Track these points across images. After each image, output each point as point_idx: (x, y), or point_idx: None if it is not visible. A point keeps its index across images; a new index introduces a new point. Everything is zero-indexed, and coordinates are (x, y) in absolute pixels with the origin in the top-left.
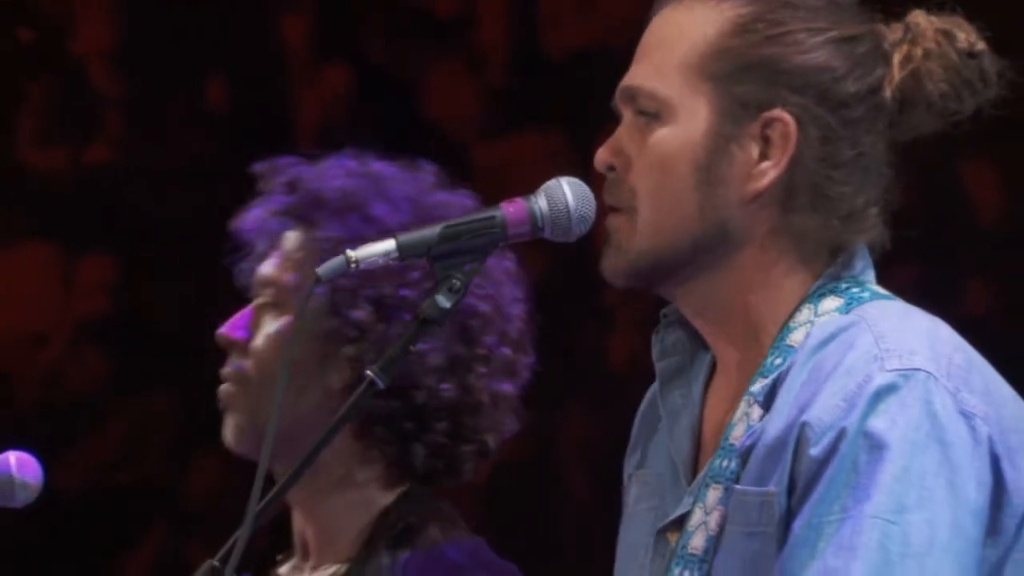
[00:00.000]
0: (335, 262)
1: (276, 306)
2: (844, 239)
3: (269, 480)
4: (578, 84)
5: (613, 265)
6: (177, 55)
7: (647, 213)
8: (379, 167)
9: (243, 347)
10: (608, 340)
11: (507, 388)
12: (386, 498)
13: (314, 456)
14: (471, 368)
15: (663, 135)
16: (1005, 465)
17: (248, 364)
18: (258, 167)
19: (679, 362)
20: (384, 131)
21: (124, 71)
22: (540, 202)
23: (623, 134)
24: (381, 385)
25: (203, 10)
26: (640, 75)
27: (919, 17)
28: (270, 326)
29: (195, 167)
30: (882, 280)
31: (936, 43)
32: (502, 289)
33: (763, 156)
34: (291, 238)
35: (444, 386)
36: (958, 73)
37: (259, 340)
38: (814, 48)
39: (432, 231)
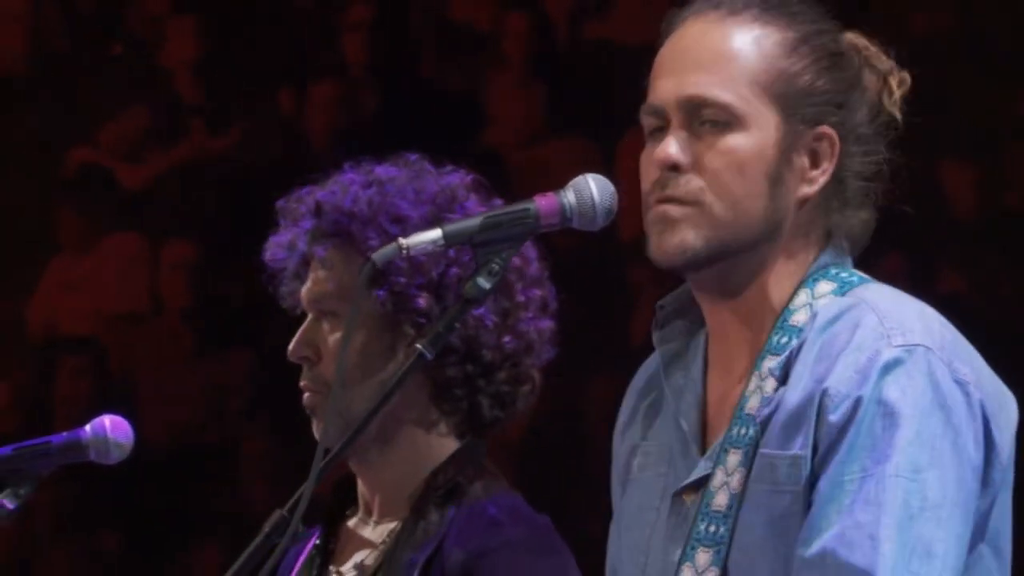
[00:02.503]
0: (388, 249)
1: (333, 315)
2: (849, 234)
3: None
4: (604, 93)
5: (674, 246)
6: (252, 68)
7: (720, 209)
8: (381, 171)
9: (314, 359)
10: (630, 319)
11: (547, 324)
12: (438, 458)
13: (368, 422)
14: (519, 316)
15: (739, 142)
16: (993, 426)
17: (325, 372)
18: (280, 202)
19: (678, 347)
20: (430, 136)
21: (206, 81)
22: (569, 196)
23: (686, 138)
24: (429, 357)
25: (275, 28)
26: (707, 85)
27: (855, 40)
28: (335, 334)
29: (265, 165)
30: (871, 266)
31: (877, 60)
32: None
33: (814, 165)
34: (330, 254)
35: (506, 339)
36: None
37: (329, 349)
38: (842, 71)
39: (474, 221)
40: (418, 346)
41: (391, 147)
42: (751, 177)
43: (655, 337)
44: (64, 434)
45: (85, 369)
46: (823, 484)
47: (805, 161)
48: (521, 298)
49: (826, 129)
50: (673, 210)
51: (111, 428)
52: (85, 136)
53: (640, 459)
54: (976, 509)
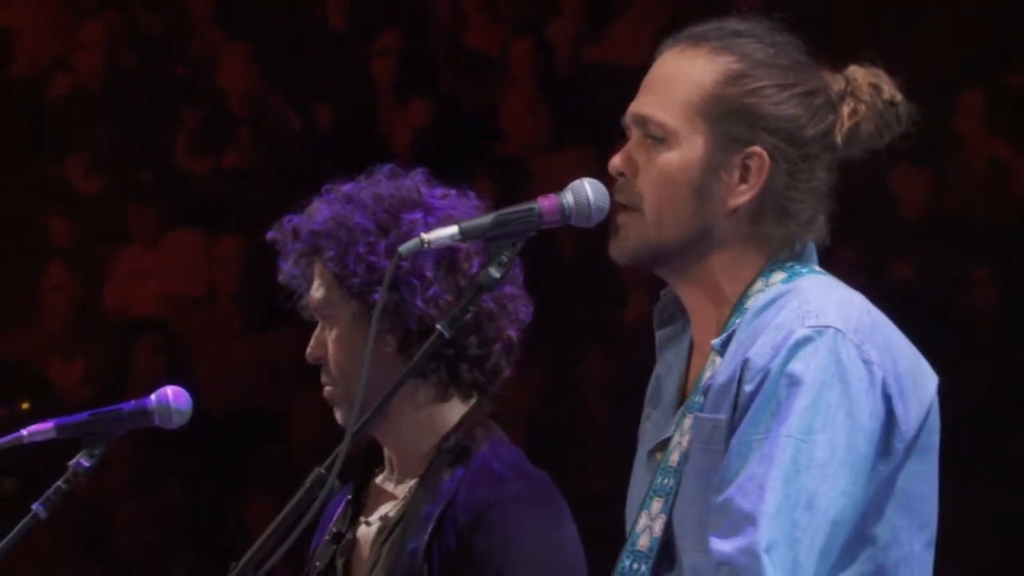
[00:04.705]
0: (412, 243)
1: (328, 318)
2: (799, 239)
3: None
4: (600, 108)
5: (620, 249)
6: (294, 87)
7: (651, 215)
8: (346, 188)
9: (325, 358)
10: (624, 304)
11: (509, 290)
12: (447, 421)
13: (394, 393)
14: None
15: (669, 157)
16: (896, 402)
17: (332, 369)
18: (270, 234)
19: (674, 329)
20: (450, 147)
21: (254, 99)
22: (568, 197)
23: (633, 147)
24: (447, 336)
25: (314, 53)
26: (650, 105)
27: (856, 73)
28: (331, 335)
29: (305, 171)
30: (828, 260)
31: (869, 96)
32: (461, 207)
33: (742, 180)
34: (313, 269)
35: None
36: (882, 117)
37: (330, 349)
38: (784, 101)
39: (486, 219)
40: (438, 327)
41: (419, 155)
42: (677, 188)
43: (655, 321)
44: (132, 402)
45: (155, 346)
46: (734, 442)
47: (735, 176)
48: (476, 271)
49: (757, 149)
50: (620, 218)
51: (173, 397)
52: (150, 145)
53: (646, 423)
54: (875, 473)
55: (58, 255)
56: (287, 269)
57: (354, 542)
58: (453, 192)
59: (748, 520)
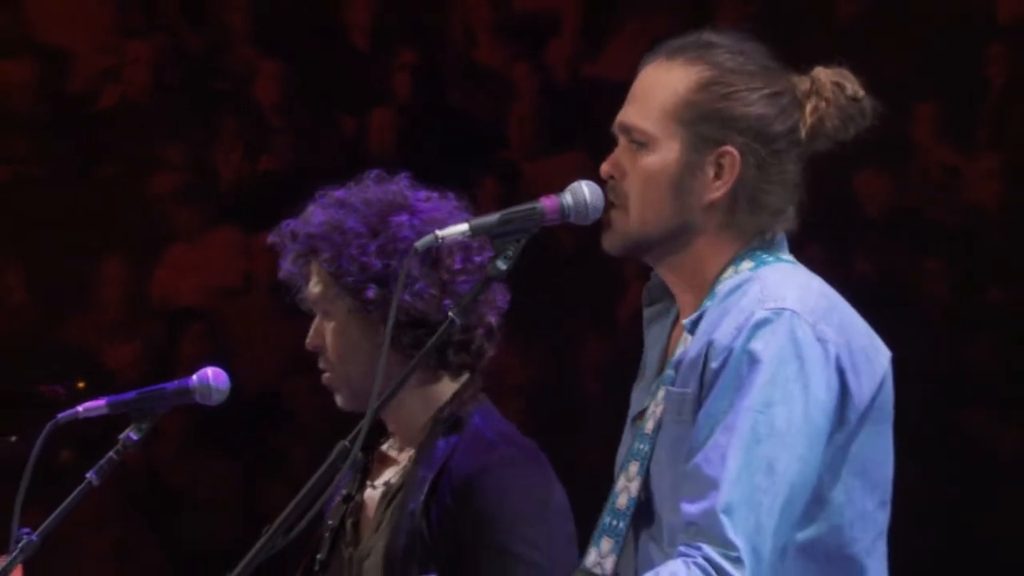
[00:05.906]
0: (427, 239)
1: (325, 313)
2: (771, 228)
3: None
4: (596, 118)
5: (609, 242)
6: (322, 99)
7: (636, 211)
8: (339, 193)
9: (323, 347)
10: (617, 296)
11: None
12: (441, 397)
13: (409, 376)
14: (456, 281)
15: (650, 160)
16: (849, 376)
17: (331, 357)
18: (270, 237)
19: (660, 308)
20: (460, 153)
21: (287, 109)
22: (567, 197)
23: (619, 153)
24: (459, 322)
25: (339, 70)
26: (632, 114)
27: (820, 73)
28: (329, 327)
29: (333, 174)
30: (798, 256)
31: (832, 93)
32: (444, 208)
33: (716, 176)
34: (309, 268)
35: (446, 302)
36: (845, 112)
37: (328, 339)
38: (753, 102)
39: (493, 217)
40: (450, 314)
41: (429, 162)
42: (658, 187)
43: (644, 299)
44: (175, 382)
45: (196, 332)
46: (701, 415)
47: (710, 173)
48: (458, 266)
49: (728, 148)
50: (610, 214)
51: (213, 377)
52: (193, 152)
53: (633, 393)
54: (832, 441)
55: (113, 250)
56: (286, 267)
57: (362, 504)
58: (435, 194)
59: (711, 485)
